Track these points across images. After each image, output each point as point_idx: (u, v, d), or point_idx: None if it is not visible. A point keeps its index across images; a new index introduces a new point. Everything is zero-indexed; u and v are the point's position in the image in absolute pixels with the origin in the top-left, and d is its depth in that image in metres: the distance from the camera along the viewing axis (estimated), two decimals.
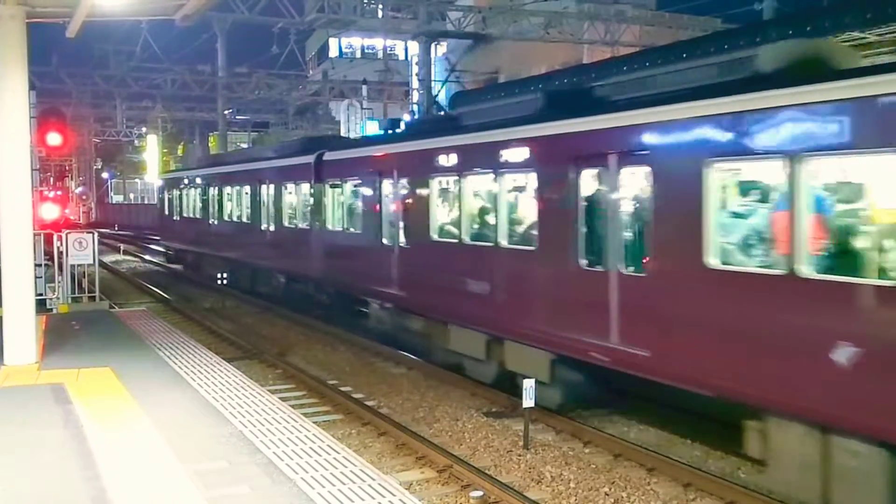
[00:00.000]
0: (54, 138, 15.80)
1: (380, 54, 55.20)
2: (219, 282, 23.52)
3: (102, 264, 23.90)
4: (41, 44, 18.50)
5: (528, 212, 11.27)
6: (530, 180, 11.11)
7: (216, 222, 25.85)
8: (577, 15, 34.71)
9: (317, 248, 18.16)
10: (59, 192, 55.32)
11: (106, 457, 7.10)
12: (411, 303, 14.05)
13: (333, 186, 17.39)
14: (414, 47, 40.08)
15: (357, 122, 44.73)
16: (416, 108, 38.82)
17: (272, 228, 21.16)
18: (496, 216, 11.67)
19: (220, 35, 38.89)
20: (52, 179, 71.74)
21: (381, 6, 33.25)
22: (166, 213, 32.78)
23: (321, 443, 7.59)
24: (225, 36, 39.09)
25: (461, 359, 12.78)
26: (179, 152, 77.34)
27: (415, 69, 40.40)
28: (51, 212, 22.10)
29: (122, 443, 7.50)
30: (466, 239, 12.37)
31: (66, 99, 44.16)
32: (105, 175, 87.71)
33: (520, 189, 11.62)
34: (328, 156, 17.85)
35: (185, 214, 29.82)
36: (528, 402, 9.76)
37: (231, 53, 41.06)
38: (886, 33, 12.76)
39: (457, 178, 12.61)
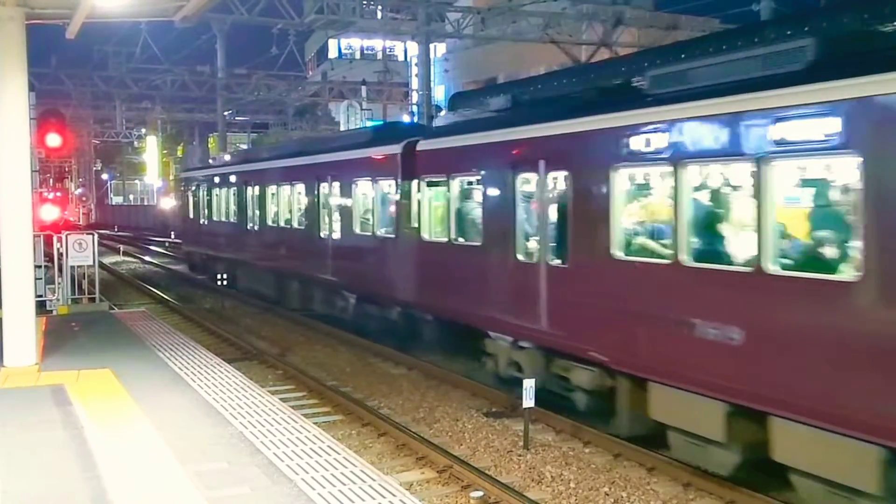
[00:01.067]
0: (54, 139, 15.79)
1: (379, 55, 55.26)
2: (219, 283, 23.41)
3: (102, 265, 23.91)
4: (40, 45, 18.29)
5: (838, 220, 7.29)
6: (845, 168, 7.04)
7: (256, 227, 22.10)
8: (575, 16, 34.73)
9: (405, 262, 14.36)
10: (58, 194, 55.32)
11: (106, 458, 7.11)
12: (573, 345, 10.07)
13: (433, 184, 13.58)
14: (413, 48, 40.16)
15: (356, 123, 44.78)
16: (415, 108, 38.87)
17: (337, 236, 17.22)
18: (759, 226, 7.55)
19: (219, 36, 38.96)
20: (51, 181, 71.78)
21: (380, 7, 33.27)
22: (190, 215, 28.86)
23: (321, 443, 7.60)
24: (224, 37, 39.18)
25: (669, 431, 8.89)
26: (179, 153, 77.46)
27: (414, 70, 40.47)
28: (50, 213, 22.11)
29: (122, 444, 7.51)
30: (687, 259, 8.34)
31: (65, 100, 44.19)
32: (105, 176, 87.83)
33: (821, 185, 7.57)
34: (424, 145, 13.87)
35: (214, 217, 25.97)
36: (528, 402, 9.77)
37: (230, 54, 41.19)
38: None
39: (668, 168, 8.58)
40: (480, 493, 8.39)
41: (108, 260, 35.13)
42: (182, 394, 9.42)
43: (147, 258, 39.15)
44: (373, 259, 15.84)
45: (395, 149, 14.72)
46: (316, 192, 18.14)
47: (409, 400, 12.29)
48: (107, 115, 55.55)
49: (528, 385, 9.79)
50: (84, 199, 73.50)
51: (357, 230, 16.49)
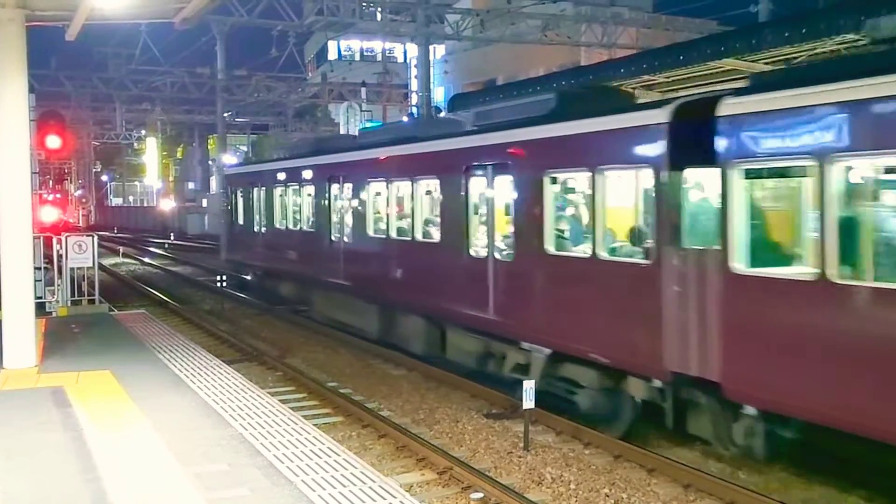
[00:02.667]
0: (53, 141, 15.80)
1: (378, 57, 55.34)
2: (218, 284, 23.26)
3: (102, 267, 23.87)
4: (40, 46, 18.05)
5: None
6: None
7: (347, 238, 16.55)
8: (574, 17, 34.79)
9: (680, 308, 8.64)
10: (58, 195, 55.38)
11: (106, 459, 7.11)
12: None
13: (768, 174, 8.24)
14: (413, 50, 40.18)
15: (356, 124, 44.83)
16: (415, 110, 38.90)
17: (507, 257, 11.57)
18: None
19: (219, 38, 38.97)
20: (51, 182, 71.84)
21: (379, 9, 33.32)
22: (239, 221, 23.54)
23: (321, 445, 7.60)
24: (224, 38, 39.18)
25: None
26: (179, 155, 77.58)
27: (414, 71, 40.50)
28: (50, 215, 22.09)
29: (122, 446, 7.50)
30: None
31: (65, 102, 44.17)
32: (104, 178, 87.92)
33: None
34: (742, 104, 8.15)
35: (277, 224, 20.58)
36: (528, 403, 9.77)
37: (230, 56, 41.17)
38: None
39: None
40: (481, 495, 8.38)
41: (107, 261, 35.12)
42: (182, 395, 9.42)
43: (147, 260, 39.18)
44: (593, 297, 10.00)
45: (656, 116, 9.00)
46: (462, 191, 12.51)
47: (409, 401, 12.28)
48: (106, 116, 55.56)
49: (528, 386, 9.80)
50: (83, 200, 73.59)
51: (550, 248, 10.67)
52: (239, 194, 23.80)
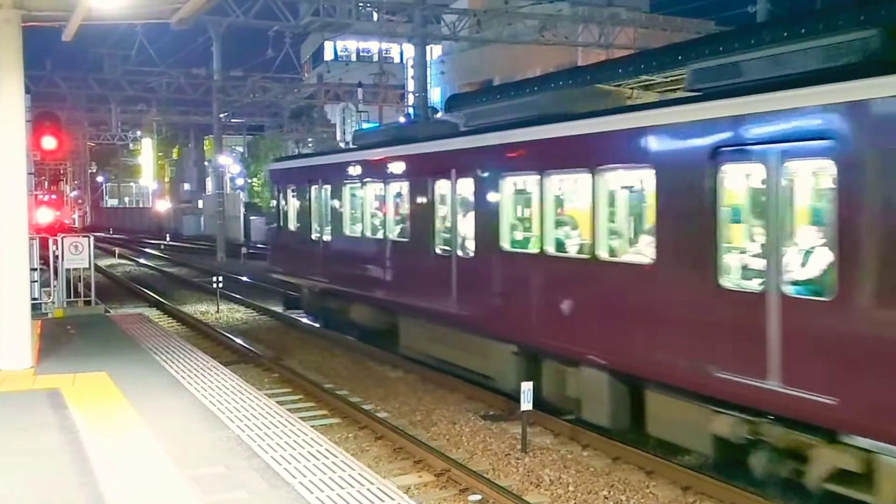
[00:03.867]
0: (49, 142, 15.75)
1: (375, 57, 55.28)
2: (215, 285, 23.17)
3: (97, 268, 23.78)
4: (35, 47, 17.75)
5: None
6: None
7: (463, 254, 12.38)
8: (571, 18, 34.80)
9: None
10: (53, 196, 55.29)
11: (103, 462, 7.07)
12: None
13: None
14: (409, 50, 40.17)
15: (353, 125, 44.77)
16: (411, 110, 38.85)
17: (827, 297, 7.06)
18: None
19: (215, 38, 38.94)
20: (46, 183, 71.74)
21: (375, 10, 33.30)
22: (290, 226, 19.21)
23: (319, 447, 7.57)
24: (220, 39, 39.13)
25: None
26: (174, 155, 77.54)
27: (410, 72, 40.47)
28: (46, 216, 22.04)
29: (118, 448, 7.46)
30: None
31: (60, 103, 44.05)
32: (100, 178, 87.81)
33: None
34: None
35: (347, 231, 16.35)
36: (525, 405, 9.75)
37: (226, 57, 41.11)
38: None
39: None
40: (479, 497, 8.36)
41: (103, 263, 35.04)
42: (179, 397, 9.37)
43: (142, 261, 39.11)
44: None
45: None
46: (705, 191, 8.03)
47: (406, 403, 12.25)
48: (102, 117, 55.44)
49: (526, 388, 9.77)
50: (79, 201, 73.54)
51: None
52: (290, 193, 19.18)
